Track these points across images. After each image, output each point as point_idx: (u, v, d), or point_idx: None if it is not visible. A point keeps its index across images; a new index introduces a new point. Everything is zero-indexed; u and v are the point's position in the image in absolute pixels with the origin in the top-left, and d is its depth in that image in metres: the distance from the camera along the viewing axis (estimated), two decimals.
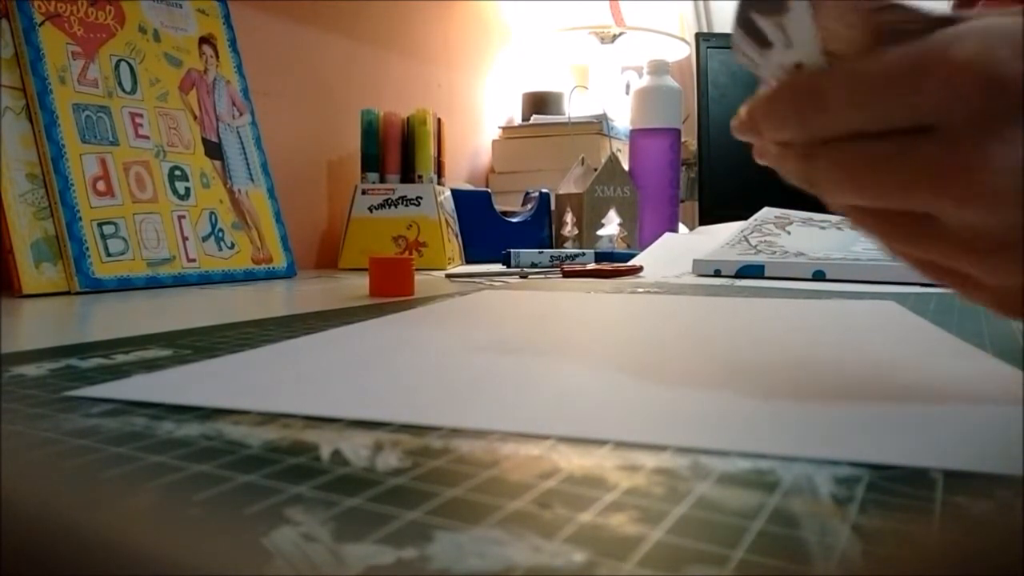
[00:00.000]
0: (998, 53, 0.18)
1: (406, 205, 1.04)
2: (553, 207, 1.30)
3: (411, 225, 1.03)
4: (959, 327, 0.42)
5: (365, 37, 1.22)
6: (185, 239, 0.76)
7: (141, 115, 0.75)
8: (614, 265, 0.90)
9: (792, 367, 0.30)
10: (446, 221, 1.07)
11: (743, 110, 0.24)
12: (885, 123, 0.20)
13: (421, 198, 1.04)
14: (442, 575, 0.12)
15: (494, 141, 1.52)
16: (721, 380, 0.27)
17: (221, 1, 0.87)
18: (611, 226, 1.23)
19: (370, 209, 1.04)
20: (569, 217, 1.25)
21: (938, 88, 0.19)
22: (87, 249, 0.66)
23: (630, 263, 0.92)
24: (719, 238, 0.96)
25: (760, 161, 0.25)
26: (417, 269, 0.76)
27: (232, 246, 0.81)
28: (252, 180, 0.86)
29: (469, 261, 1.16)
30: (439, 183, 1.09)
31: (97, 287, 0.66)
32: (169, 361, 0.31)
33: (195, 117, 0.81)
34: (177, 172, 0.77)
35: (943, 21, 0.20)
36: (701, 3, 1.95)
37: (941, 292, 0.67)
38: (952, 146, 0.19)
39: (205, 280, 0.76)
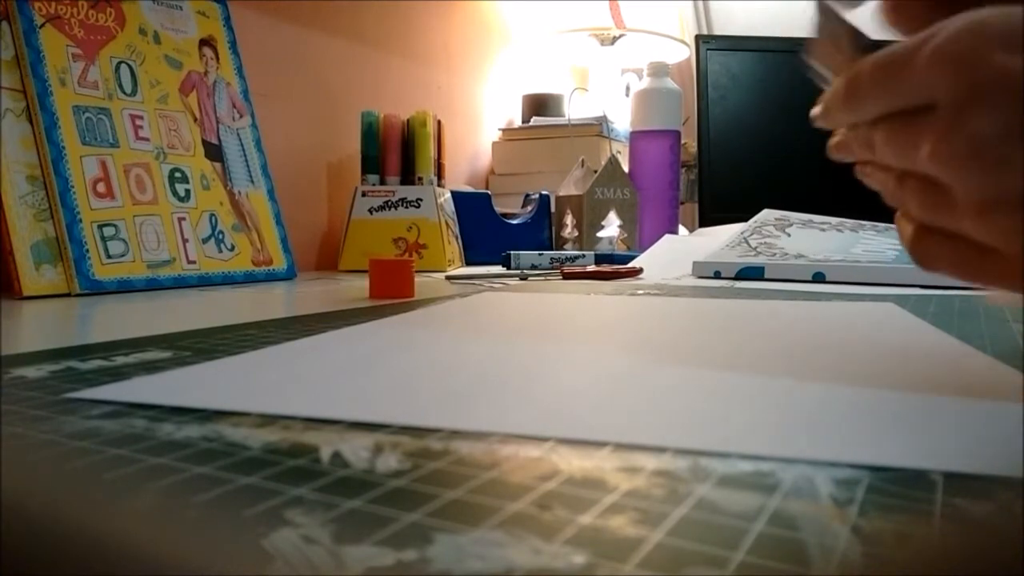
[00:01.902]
0: (964, 39, 0.22)
1: (406, 207, 1.04)
2: (553, 209, 1.30)
3: (411, 227, 1.03)
4: (959, 329, 0.42)
5: (365, 39, 1.22)
6: (185, 241, 0.76)
7: (141, 117, 0.75)
8: (614, 267, 0.90)
9: (792, 369, 0.30)
10: (446, 223, 1.07)
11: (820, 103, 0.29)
12: (899, 104, 0.24)
13: (421, 200, 1.04)
14: None
15: (494, 143, 1.52)
16: (721, 382, 0.27)
17: (221, 3, 0.88)
18: (611, 228, 1.23)
19: (370, 211, 1.04)
20: (569, 219, 1.25)
21: (922, 73, 0.23)
22: (87, 251, 0.66)
23: (630, 265, 0.92)
24: (719, 240, 0.96)
25: (835, 155, 0.30)
26: (417, 271, 0.76)
27: (232, 248, 0.81)
28: (252, 182, 0.86)
29: (469, 263, 1.16)
30: (439, 185, 1.09)
31: (97, 289, 0.66)
32: (169, 363, 0.31)
33: (195, 119, 0.81)
34: (177, 174, 0.77)
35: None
36: (701, 4, 1.95)
37: (941, 294, 0.67)
38: (938, 119, 0.23)
39: (205, 282, 0.76)
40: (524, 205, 1.32)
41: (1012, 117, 0.21)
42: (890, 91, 0.24)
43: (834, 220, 0.95)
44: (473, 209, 1.19)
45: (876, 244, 0.87)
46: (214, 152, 0.82)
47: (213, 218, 0.80)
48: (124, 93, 0.74)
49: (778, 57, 1.36)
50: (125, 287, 0.68)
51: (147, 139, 0.75)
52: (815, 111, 0.28)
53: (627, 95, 1.45)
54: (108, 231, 0.68)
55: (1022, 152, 0.21)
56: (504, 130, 1.53)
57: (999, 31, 0.21)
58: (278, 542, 0.13)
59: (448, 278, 0.86)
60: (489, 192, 1.28)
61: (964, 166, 0.22)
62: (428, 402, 0.24)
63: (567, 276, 0.87)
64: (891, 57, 0.24)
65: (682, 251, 0.97)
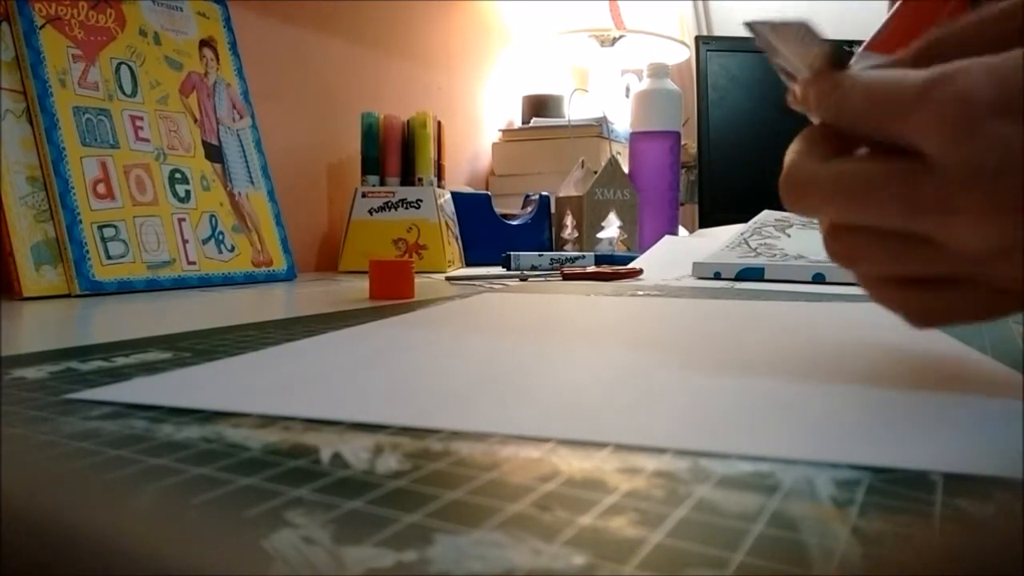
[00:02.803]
0: (982, 93, 0.20)
1: (406, 208, 1.04)
2: (553, 210, 1.30)
3: (411, 228, 1.03)
4: (959, 330, 0.42)
5: (365, 40, 1.22)
6: (185, 242, 0.76)
7: (141, 118, 0.75)
8: (614, 268, 0.90)
9: (792, 370, 0.30)
10: (446, 224, 1.07)
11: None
12: (886, 137, 0.23)
13: (421, 201, 1.04)
14: None
15: (494, 144, 1.52)
16: (721, 383, 0.27)
17: (222, 4, 0.88)
18: (611, 229, 1.23)
19: (370, 212, 1.04)
20: (569, 220, 1.25)
21: (918, 126, 0.21)
22: (87, 252, 0.66)
23: (630, 266, 0.92)
24: (719, 241, 0.96)
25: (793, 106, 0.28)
26: (417, 272, 0.76)
27: (232, 249, 0.81)
28: (252, 183, 0.86)
29: (469, 264, 1.16)
30: (439, 186, 1.09)
31: (97, 290, 0.66)
32: (169, 364, 0.31)
33: (195, 120, 0.81)
34: (177, 175, 0.77)
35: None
36: (701, 5, 1.95)
37: None
38: (945, 181, 0.21)
39: (205, 283, 0.76)
40: (524, 206, 1.32)
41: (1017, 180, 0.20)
42: (880, 125, 0.23)
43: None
44: (473, 210, 1.19)
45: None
46: (214, 153, 0.82)
47: (213, 219, 0.80)
48: (124, 94, 0.74)
49: None
50: (125, 288, 0.68)
51: (147, 140, 0.75)
52: (792, 94, 0.27)
53: (627, 96, 1.45)
54: (108, 232, 0.68)
55: None
56: (504, 131, 1.53)
57: (989, 99, 0.20)
58: (278, 543, 0.13)
59: (448, 279, 0.86)
60: (489, 193, 1.28)
61: (978, 219, 0.21)
62: (428, 403, 0.24)
63: (567, 277, 0.87)
64: (886, 90, 0.22)
65: (682, 252, 0.97)
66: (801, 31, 0.25)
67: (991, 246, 0.21)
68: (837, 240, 0.25)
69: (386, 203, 1.04)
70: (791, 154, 0.25)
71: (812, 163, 0.24)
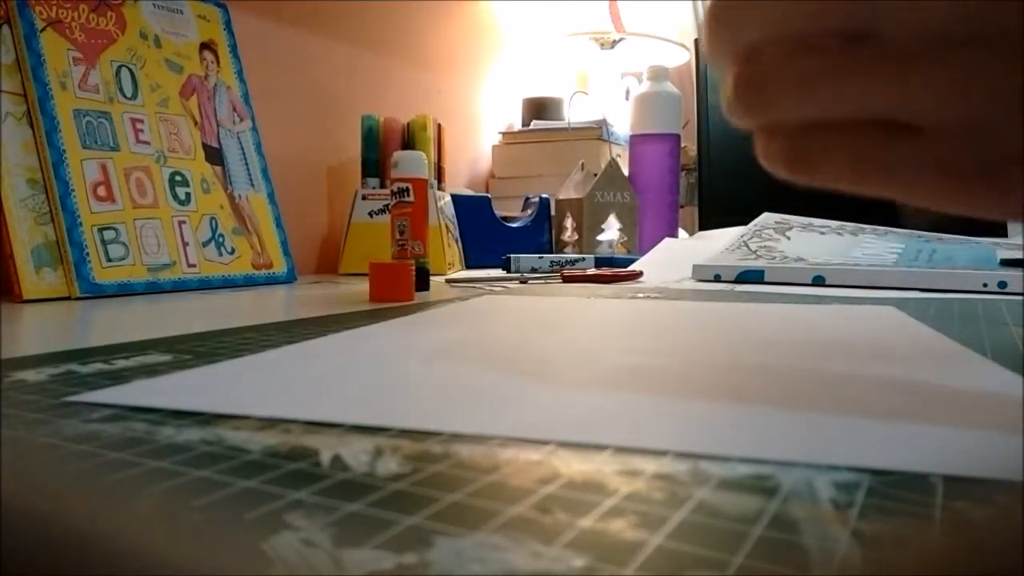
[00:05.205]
0: None
1: None
2: (553, 212, 1.30)
3: None
4: (959, 332, 0.42)
5: (366, 43, 1.22)
6: (185, 244, 0.76)
7: (142, 121, 0.75)
8: (614, 270, 0.90)
9: (791, 372, 0.30)
10: (446, 226, 1.07)
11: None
12: (822, 23, 0.19)
13: None
14: None
15: (494, 146, 1.52)
16: (721, 385, 0.27)
17: (222, 7, 0.88)
18: (611, 231, 1.23)
19: (370, 214, 1.04)
20: (569, 222, 1.25)
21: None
22: (87, 254, 0.66)
23: (630, 268, 0.92)
24: (719, 243, 0.96)
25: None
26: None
27: (232, 251, 0.81)
28: (252, 185, 0.86)
29: (469, 266, 1.16)
30: (439, 188, 1.09)
31: (97, 292, 0.66)
32: (169, 366, 0.31)
33: (196, 123, 0.81)
34: (178, 177, 0.77)
35: None
36: (701, 7, 1.95)
37: (941, 297, 0.67)
38: (902, 48, 0.19)
39: (205, 285, 0.76)
40: (524, 208, 1.32)
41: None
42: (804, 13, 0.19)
43: (834, 223, 0.95)
44: (473, 212, 1.19)
45: (876, 247, 0.87)
46: (214, 156, 0.82)
47: (213, 221, 0.80)
48: (125, 97, 0.74)
49: None
50: (125, 290, 0.68)
51: (147, 143, 0.75)
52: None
53: (627, 99, 1.46)
54: (108, 234, 0.68)
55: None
56: (504, 133, 1.53)
57: None
58: (278, 545, 0.13)
59: (448, 281, 0.86)
60: (489, 195, 1.28)
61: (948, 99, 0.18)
62: (428, 405, 0.24)
63: (567, 279, 0.87)
64: None
65: (682, 254, 0.97)
66: None
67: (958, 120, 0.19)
68: (788, 139, 0.22)
69: (386, 206, 1.04)
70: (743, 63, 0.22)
71: (767, 61, 0.21)
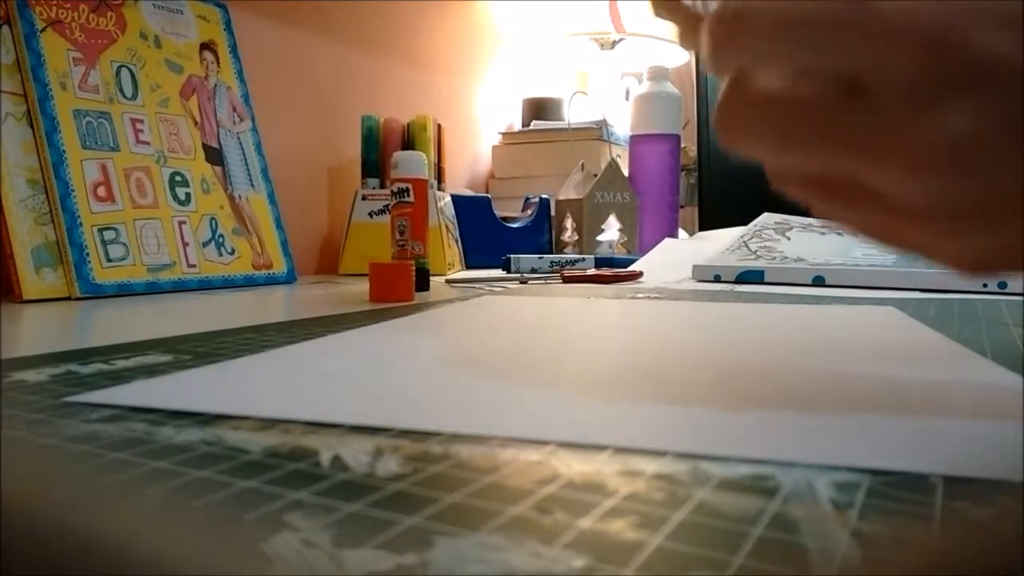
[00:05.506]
0: (959, 19, 0.17)
1: None
2: (553, 213, 1.30)
3: None
4: (959, 332, 0.42)
5: (366, 43, 1.22)
6: (185, 245, 0.76)
7: (142, 121, 0.75)
8: (614, 271, 0.90)
9: (792, 372, 0.30)
10: (446, 227, 1.07)
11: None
12: (812, 66, 0.19)
13: None
14: None
15: (494, 147, 1.52)
16: (721, 385, 0.27)
17: (222, 7, 0.88)
18: (611, 232, 1.23)
19: (370, 215, 1.04)
20: (569, 223, 1.25)
21: (864, 42, 0.17)
22: (87, 255, 0.66)
23: (630, 269, 0.92)
24: (719, 244, 0.96)
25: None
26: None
27: (232, 252, 0.81)
28: (253, 186, 0.86)
29: (469, 267, 1.16)
30: (439, 189, 1.09)
31: (97, 292, 0.66)
32: (169, 367, 0.31)
33: (196, 123, 0.81)
34: (178, 178, 0.77)
35: None
36: (700, 7, 1.95)
37: (941, 297, 0.67)
38: (885, 112, 0.18)
39: (205, 286, 0.76)
40: (524, 209, 1.32)
41: (997, 112, 0.17)
42: (801, 48, 0.18)
43: (834, 224, 0.95)
44: (473, 213, 1.19)
45: (876, 248, 0.87)
46: (214, 156, 0.82)
47: (213, 222, 0.80)
48: (125, 97, 0.74)
49: None
50: (125, 291, 0.68)
51: (147, 143, 0.75)
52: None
53: (627, 99, 1.46)
54: (108, 235, 0.68)
55: (1008, 155, 0.17)
56: (504, 134, 1.53)
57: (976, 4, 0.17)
58: (278, 546, 0.13)
59: (448, 282, 0.86)
60: (489, 196, 1.28)
61: (922, 174, 0.18)
62: (428, 405, 0.24)
63: (567, 280, 0.87)
64: (831, 16, 0.18)
65: (682, 255, 0.97)
66: None
67: (925, 191, 0.18)
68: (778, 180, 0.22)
69: (386, 206, 1.04)
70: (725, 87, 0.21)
71: (746, 94, 0.20)
